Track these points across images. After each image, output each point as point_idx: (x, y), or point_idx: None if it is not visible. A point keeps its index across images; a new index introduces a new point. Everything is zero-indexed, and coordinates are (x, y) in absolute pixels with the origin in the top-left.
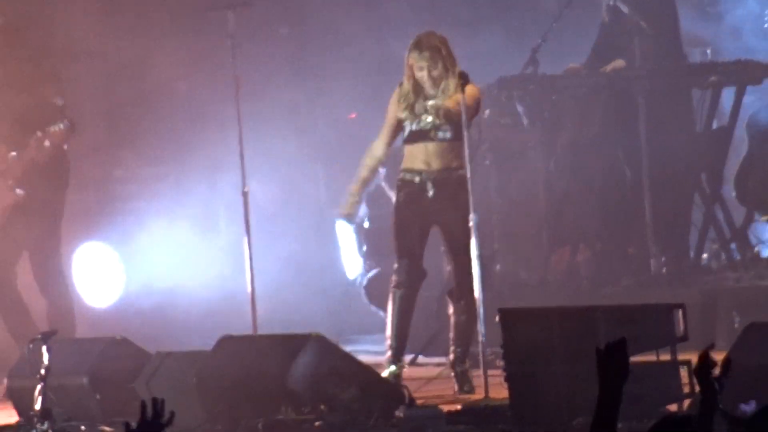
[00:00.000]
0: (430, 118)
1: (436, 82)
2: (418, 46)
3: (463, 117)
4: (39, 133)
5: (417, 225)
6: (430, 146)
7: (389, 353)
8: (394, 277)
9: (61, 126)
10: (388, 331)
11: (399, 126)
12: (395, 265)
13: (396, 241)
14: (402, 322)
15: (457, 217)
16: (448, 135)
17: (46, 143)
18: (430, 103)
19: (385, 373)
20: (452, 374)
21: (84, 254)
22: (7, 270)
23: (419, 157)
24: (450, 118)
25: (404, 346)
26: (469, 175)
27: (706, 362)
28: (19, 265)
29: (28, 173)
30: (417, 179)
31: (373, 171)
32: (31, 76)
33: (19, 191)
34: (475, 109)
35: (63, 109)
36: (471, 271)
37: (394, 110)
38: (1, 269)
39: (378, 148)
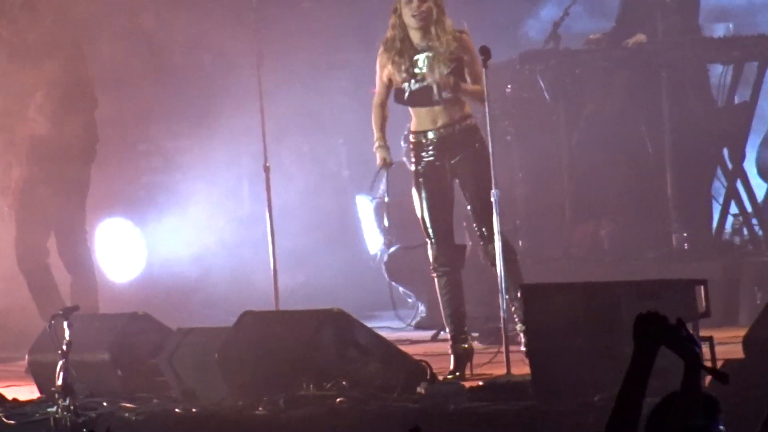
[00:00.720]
0: (427, 79)
1: (426, 21)
2: None
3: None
4: (31, 108)
5: (439, 197)
6: (436, 108)
7: (450, 337)
8: (431, 261)
9: (83, 103)
10: (444, 314)
11: (391, 85)
12: (429, 249)
13: (422, 221)
14: (453, 306)
15: (472, 169)
16: (446, 95)
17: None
18: (424, 56)
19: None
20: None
21: (106, 229)
22: (37, 249)
23: (427, 117)
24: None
25: (461, 326)
26: (491, 150)
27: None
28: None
29: (39, 149)
30: (424, 140)
31: (386, 118)
32: (55, 52)
33: (23, 169)
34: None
35: (87, 84)
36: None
37: (381, 72)
38: (31, 249)
39: (380, 108)
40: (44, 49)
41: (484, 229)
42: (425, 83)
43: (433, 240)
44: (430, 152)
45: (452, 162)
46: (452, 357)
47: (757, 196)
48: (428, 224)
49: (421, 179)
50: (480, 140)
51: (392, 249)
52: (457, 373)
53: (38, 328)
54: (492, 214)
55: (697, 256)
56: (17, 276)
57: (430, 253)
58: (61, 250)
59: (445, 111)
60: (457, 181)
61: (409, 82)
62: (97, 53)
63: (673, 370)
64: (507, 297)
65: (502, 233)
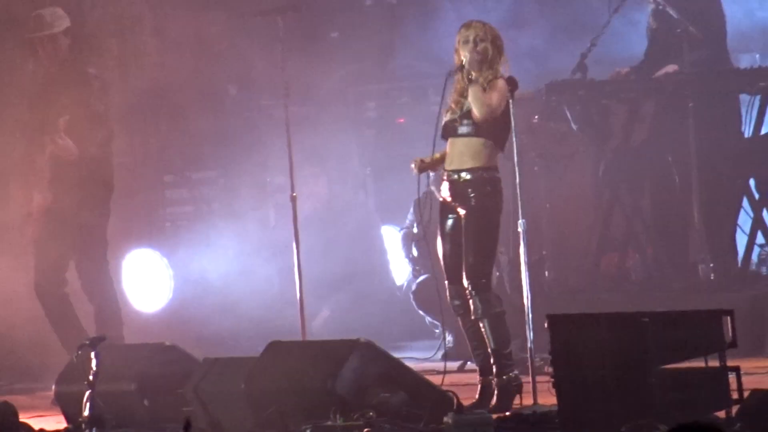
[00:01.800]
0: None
1: (481, 57)
2: (465, 24)
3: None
4: (54, 135)
5: (449, 236)
6: (454, 142)
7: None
8: (448, 299)
9: (101, 134)
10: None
11: None
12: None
13: (439, 261)
14: (473, 345)
15: (464, 223)
16: (466, 130)
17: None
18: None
19: None
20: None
21: (133, 260)
22: (55, 278)
23: (449, 153)
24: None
25: (486, 365)
26: (518, 180)
27: None
28: (70, 272)
29: (58, 178)
30: (445, 176)
31: None
32: (79, 83)
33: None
34: (495, 110)
35: (103, 115)
36: (473, 273)
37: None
38: (48, 277)
39: None
40: (66, 79)
41: (466, 284)
42: (453, 115)
43: (445, 278)
44: (447, 190)
45: (459, 206)
46: (479, 389)
47: None
48: (440, 261)
49: (440, 216)
50: (480, 196)
51: (421, 278)
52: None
53: (59, 359)
54: (472, 272)
55: (724, 286)
56: (39, 309)
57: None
58: (82, 279)
59: (461, 155)
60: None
61: (446, 114)
62: (125, 85)
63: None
64: (490, 350)
65: (478, 285)
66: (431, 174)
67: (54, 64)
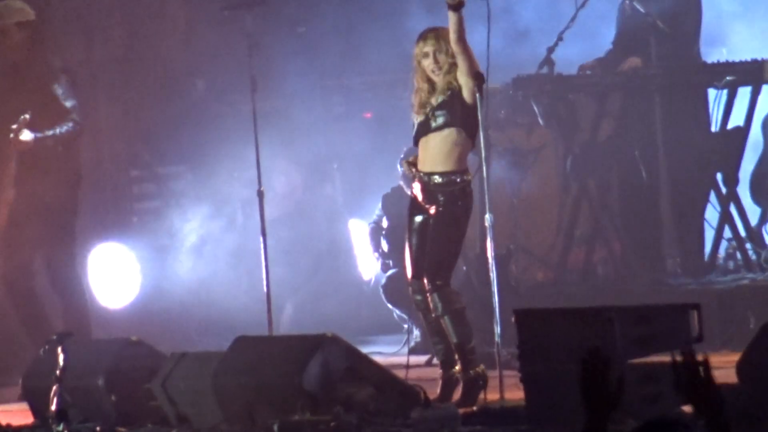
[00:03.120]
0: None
1: (442, 68)
2: (421, 35)
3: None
4: (13, 127)
5: (416, 235)
6: (426, 141)
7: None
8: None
9: (66, 128)
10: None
11: None
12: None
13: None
14: (434, 340)
15: (431, 226)
16: (440, 121)
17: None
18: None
19: None
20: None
21: (100, 255)
22: (21, 271)
23: (421, 154)
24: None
25: (448, 359)
26: (485, 174)
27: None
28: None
29: (24, 172)
30: (416, 175)
31: None
32: (43, 76)
33: (9, 191)
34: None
35: (72, 110)
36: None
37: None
38: (15, 270)
39: None
40: (28, 73)
41: (425, 281)
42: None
43: (410, 275)
44: (418, 189)
45: (429, 206)
46: (440, 383)
47: (751, 220)
48: (407, 259)
49: (408, 211)
50: (450, 200)
51: (390, 272)
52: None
53: (27, 354)
54: (432, 270)
55: (691, 280)
56: (6, 304)
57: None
58: (50, 275)
59: (433, 156)
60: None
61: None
62: (92, 79)
63: (662, 398)
64: (453, 345)
65: (436, 283)
66: (400, 168)
67: (8, 57)
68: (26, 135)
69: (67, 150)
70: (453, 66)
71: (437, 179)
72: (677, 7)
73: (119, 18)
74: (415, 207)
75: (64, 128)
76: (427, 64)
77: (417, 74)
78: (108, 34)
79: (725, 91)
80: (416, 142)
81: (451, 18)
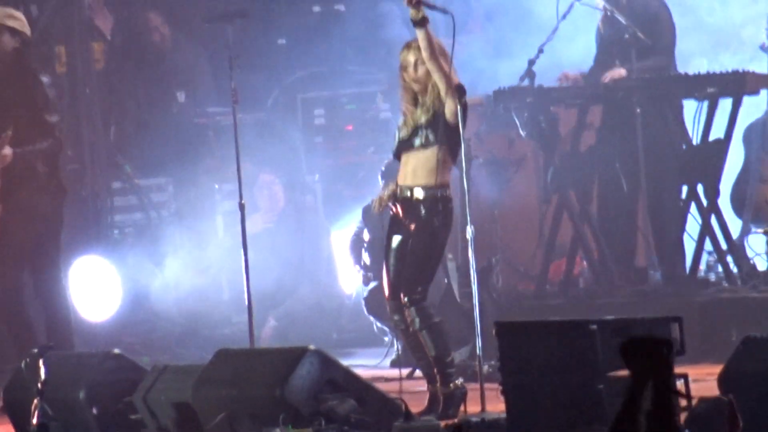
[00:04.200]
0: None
1: (424, 78)
2: (406, 44)
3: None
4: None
5: (394, 255)
6: (408, 157)
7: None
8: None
9: (46, 144)
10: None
11: None
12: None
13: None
14: (416, 356)
15: (412, 234)
16: (421, 141)
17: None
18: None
19: None
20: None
21: (81, 267)
22: (13, 284)
23: (401, 170)
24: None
25: (433, 373)
26: (466, 186)
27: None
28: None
29: (9, 186)
30: (398, 191)
31: None
32: (28, 89)
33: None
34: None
35: (54, 126)
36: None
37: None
38: (6, 284)
39: None
40: (15, 86)
41: (402, 295)
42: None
43: (387, 294)
44: (399, 206)
45: (408, 222)
46: (428, 397)
47: (732, 233)
48: (384, 273)
49: (389, 230)
50: (430, 215)
51: (372, 284)
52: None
53: (9, 366)
54: (408, 285)
55: (672, 293)
56: None
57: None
58: (36, 287)
59: (414, 170)
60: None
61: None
62: (73, 92)
63: None
64: (431, 359)
65: (413, 297)
66: (381, 181)
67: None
68: (6, 150)
69: (48, 164)
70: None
71: (418, 193)
72: (654, 18)
73: (101, 30)
74: (394, 225)
75: (44, 144)
76: (409, 73)
77: (401, 84)
78: (89, 47)
79: (706, 103)
80: (397, 156)
81: (419, 35)
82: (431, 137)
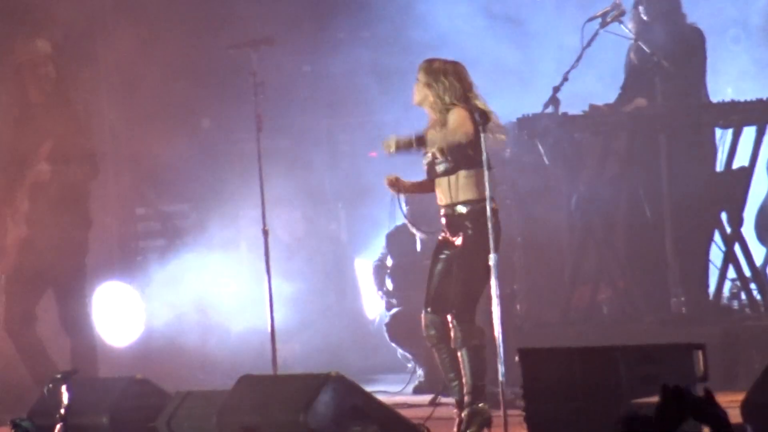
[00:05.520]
0: (429, 154)
1: (432, 105)
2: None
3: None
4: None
5: (440, 269)
6: (439, 181)
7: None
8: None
9: (84, 168)
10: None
11: None
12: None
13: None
14: (449, 377)
15: (460, 249)
16: (443, 168)
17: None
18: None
19: None
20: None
21: (104, 293)
22: (26, 316)
23: (438, 192)
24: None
25: (463, 399)
26: (489, 214)
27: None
28: (45, 304)
29: (37, 210)
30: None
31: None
32: (61, 115)
33: (21, 228)
34: (465, 138)
35: (90, 151)
36: (459, 302)
37: None
38: (19, 316)
39: None
40: (53, 111)
41: (449, 317)
42: (427, 157)
43: (425, 306)
44: (445, 226)
45: (455, 238)
46: (456, 422)
47: (756, 260)
48: (426, 290)
49: (435, 248)
50: (476, 228)
51: (394, 310)
52: None
53: (32, 393)
54: (458, 302)
55: (696, 320)
56: (4, 339)
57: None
58: (61, 313)
59: (448, 191)
60: None
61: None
62: (98, 115)
63: None
64: (464, 380)
65: (462, 315)
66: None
67: (42, 92)
68: (44, 165)
69: (79, 192)
70: (445, 107)
71: (461, 209)
72: (681, 47)
73: (126, 58)
74: (442, 246)
75: (82, 168)
76: (416, 99)
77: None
78: (110, 73)
79: (730, 131)
80: (430, 178)
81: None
82: (450, 164)
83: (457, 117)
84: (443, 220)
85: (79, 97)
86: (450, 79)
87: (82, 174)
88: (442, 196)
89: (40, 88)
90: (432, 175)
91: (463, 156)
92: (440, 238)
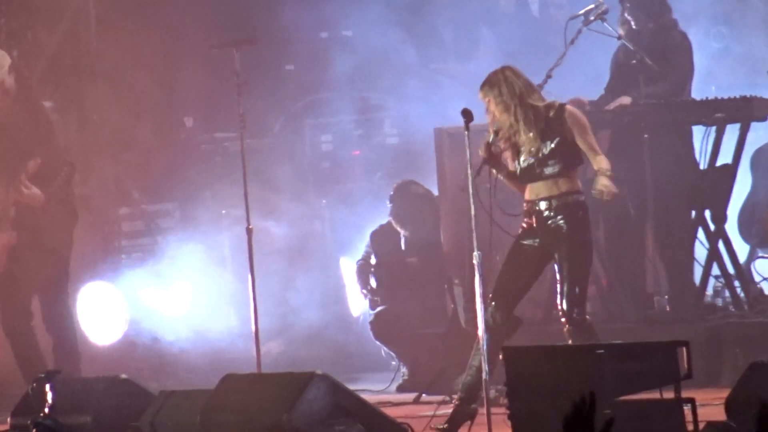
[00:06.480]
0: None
1: (502, 116)
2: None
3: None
4: (22, 176)
5: (518, 263)
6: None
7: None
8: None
9: (65, 171)
10: None
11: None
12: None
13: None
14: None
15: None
16: (551, 170)
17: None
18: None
19: None
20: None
21: (88, 293)
22: (22, 314)
23: (529, 190)
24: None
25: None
26: (473, 212)
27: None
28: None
29: (24, 215)
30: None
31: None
32: (34, 120)
33: (10, 234)
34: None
35: (64, 150)
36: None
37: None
38: (17, 313)
39: None
40: (24, 117)
41: (564, 314)
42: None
43: (492, 298)
44: (532, 217)
45: (547, 236)
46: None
47: (739, 257)
48: (496, 280)
49: (517, 238)
50: (573, 223)
51: (378, 309)
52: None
53: (17, 391)
54: (574, 304)
55: (679, 317)
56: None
57: None
58: (44, 313)
59: (541, 188)
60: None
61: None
62: (80, 118)
63: None
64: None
65: (578, 318)
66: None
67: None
68: (35, 190)
69: (65, 191)
70: (536, 110)
71: (554, 202)
72: (666, 45)
73: (106, 58)
74: (526, 235)
75: (64, 173)
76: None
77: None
78: (92, 70)
79: (714, 129)
80: (523, 182)
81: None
82: (560, 166)
83: (580, 114)
84: (530, 213)
85: (56, 98)
86: (512, 80)
87: (66, 176)
88: (534, 191)
89: (7, 98)
90: (530, 179)
91: (570, 155)
92: (523, 226)
